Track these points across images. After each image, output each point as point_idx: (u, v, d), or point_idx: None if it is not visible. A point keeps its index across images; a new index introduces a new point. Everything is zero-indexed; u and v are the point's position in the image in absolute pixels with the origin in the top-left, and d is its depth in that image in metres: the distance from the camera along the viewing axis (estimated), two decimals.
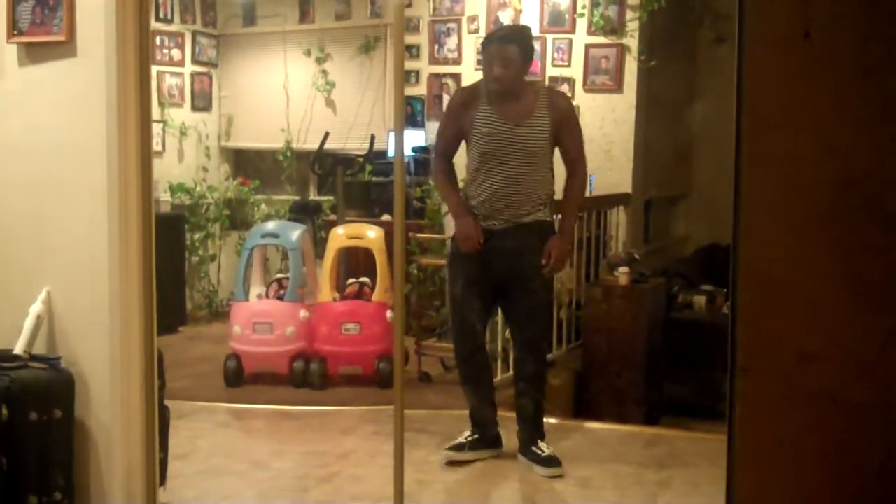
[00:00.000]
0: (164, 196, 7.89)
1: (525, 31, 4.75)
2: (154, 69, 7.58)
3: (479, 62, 4.61)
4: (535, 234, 4.44)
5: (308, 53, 8.44)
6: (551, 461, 4.42)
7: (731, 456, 1.49)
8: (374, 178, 7.59)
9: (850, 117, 1.41)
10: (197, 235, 8.24)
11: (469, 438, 4.60)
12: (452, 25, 7.83)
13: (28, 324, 3.43)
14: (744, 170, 1.46)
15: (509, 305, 4.61)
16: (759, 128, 1.45)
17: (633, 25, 7.20)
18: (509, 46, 4.37)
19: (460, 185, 4.65)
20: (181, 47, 8.37)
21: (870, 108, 1.40)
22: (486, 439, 4.61)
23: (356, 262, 6.63)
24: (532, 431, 4.54)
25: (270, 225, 6.73)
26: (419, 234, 6.64)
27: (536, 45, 7.35)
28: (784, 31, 1.41)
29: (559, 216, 4.60)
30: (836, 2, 1.40)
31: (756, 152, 1.45)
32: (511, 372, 5.65)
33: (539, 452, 4.46)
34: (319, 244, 6.88)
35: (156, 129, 7.84)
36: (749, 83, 1.45)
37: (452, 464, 4.52)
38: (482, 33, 7.61)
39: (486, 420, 4.63)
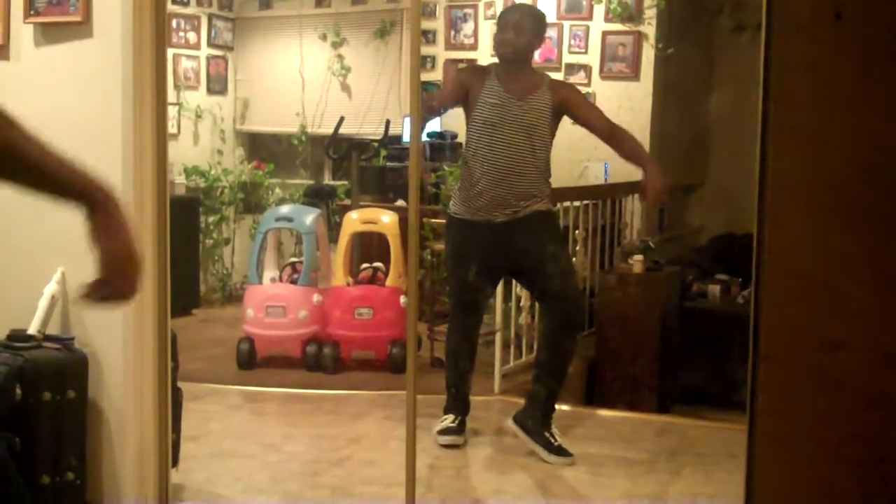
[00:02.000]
0: (179, 179, 7.90)
1: (540, 12, 4.81)
2: (170, 52, 7.59)
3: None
4: (539, 223, 4.45)
5: (324, 37, 8.42)
6: (561, 450, 4.41)
7: (751, 444, 1.48)
8: (388, 164, 7.58)
9: (879, 102, 1.39)
10: (211, 218, 8.25)
11: (456, 421, 4.63)
12: (469, 11, 7.81)
13: (42, 304, 3.45)
14: (769, 155, 1.44)
15: (539, 290, 4.59)
16: (785, 112, 1.43)
17: (650, 13, 7.17)
18: (523, 17, 4.51)
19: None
20: (197, 30, 8.37)
21: None
22: (465, 420, 4.68)
23: (370, 246, 6.63)
24: (544, 415, 4.50)
25: (285, 209, 6.73)
26: (433, 220, 6.63)
27: (553, 33, 7.38)
28: (814, 14, 1.39)
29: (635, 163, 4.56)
30: None
31: (782, 137, 1.43)
32: (524, 358, 5.66)
33: (552, 440, 4.44)
34: (333, 228, 6.89)
35: (171, 111, 7.84)
36: (777, 66, 1.43)
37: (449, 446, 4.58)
38: None
39: (465, 405, 4.69)
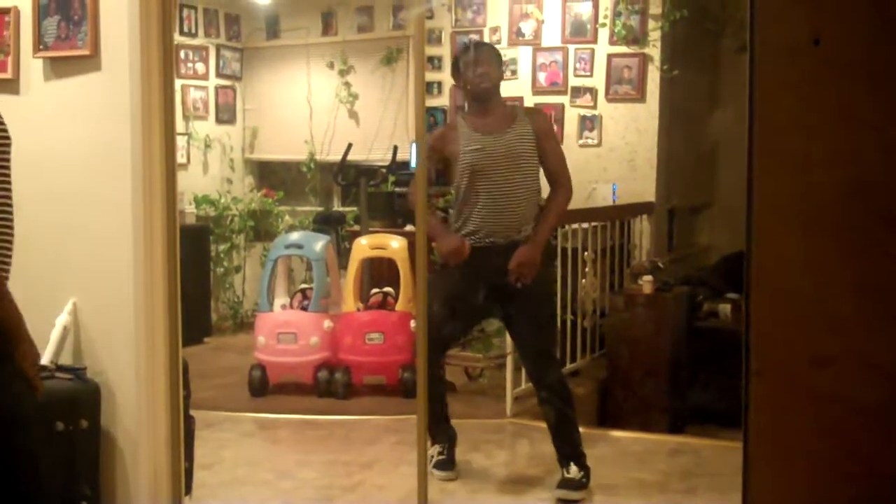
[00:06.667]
0: (190, 208, 7.95)
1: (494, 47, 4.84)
2: (179, 83, 7.65)
3: (456, 75, 4.53)
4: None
5: (331, 65, 8.48)
6: (568, 484, 4.27)
7: (746, 459, 1.50)
8: (397, 189, 7.61)
9: (861, 122, 1.42)
10: (222, 247, 8.30)
11: (445, 452, 4.53)
12: (474, 36, 7.85)
13: (55, 335, 3.47)
14: (755, 176, 1.47)
15: (514, 322, 4.47)
16: (770, 134, 1.46)
17: (655, 35, 7.21)
18: (490, 51, 4.53)
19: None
20: (205, 61, 8.44)
21: (879, 113, 1.41)
22: (454, 448, 4.58)
23: (380, 272, 6.65)
24: (561, 446, 4.38)
25: (294, 236, 6.76)
26: None
27: (559, 56, 7.44)
28: (794, 39, 1.43)
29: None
30: (845, 9, 1.42)
31: (767, 158, 1.47)
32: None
33: (564, 473, 4.30)
34: (343, 255, 6.91)
35: (181, 141, 7.90)
36: (760, 90, 1.47)
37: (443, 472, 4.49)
38: (504, 44, 7.64)
39: (451, 433, 4.57)
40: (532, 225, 4.32)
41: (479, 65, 4.39)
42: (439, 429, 4.53)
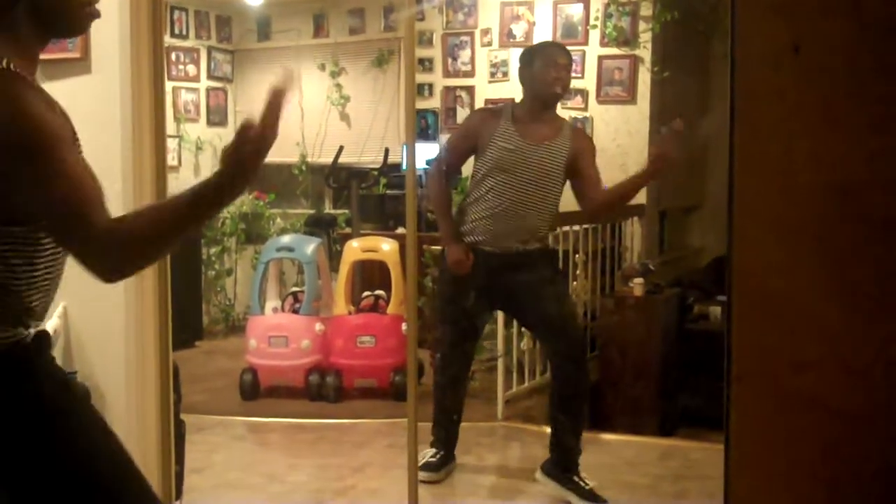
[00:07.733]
0: None
1: None
2: (170, 85, 7.65)
3: (525, 67, 4.34)
4: (542, 260, 4.36)
5: (322, 67, 8.48)
6: (595, 497, 4.21)
7: (727, 464, 1.50)
8: (388, 192, 7.61)
9: (841, 128, 1.44)
10: (213, 250, 8.29)
11: (437, 456, 4.52)
12: (465, 38, 7.86)
13: None
14: (737, 180, 1.48)
15: (537, 326, 4.51)
16: (751, 140, 1.47)
17: (645, 37, 7.22)
18: (570, 58, 4.40)
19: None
20: (196, 63, 8.43)
21: (859, 119, 1.43)
22: (450, 455, 4.59)
23: (371, 274, 6.65)
24: (570, 456, 4.32)
25: (286, 238, 6.76)
26: (433, 247, 6.65)
27: None
28: (775, 46, 1.45)
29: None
30: (825, 16, 1.43)
31: (748, 163, 1.48)
32: (526, 384, 5.67)
33: (583, 485, 4.25)
34: (334, 257, 6.91)
35: (171, 144, 7.89)
36: (741, 96, 1.48)
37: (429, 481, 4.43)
38: (495, 46, 7.66)
39: (450, 440, 4.58)
40: (541, 238, 4.33)
41: (562, 69, 4.28)
42: (447, 436, 4.55)
